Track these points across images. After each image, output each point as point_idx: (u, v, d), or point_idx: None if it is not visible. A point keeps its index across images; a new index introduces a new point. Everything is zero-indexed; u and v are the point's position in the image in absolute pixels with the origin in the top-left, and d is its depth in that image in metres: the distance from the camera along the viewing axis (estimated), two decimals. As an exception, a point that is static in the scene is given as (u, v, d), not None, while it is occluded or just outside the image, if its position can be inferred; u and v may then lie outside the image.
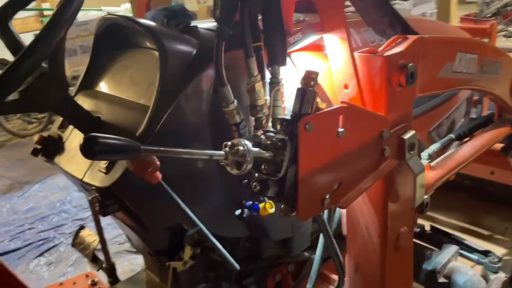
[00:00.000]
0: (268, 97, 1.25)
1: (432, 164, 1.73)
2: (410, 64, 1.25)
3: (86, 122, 1.40)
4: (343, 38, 1.30)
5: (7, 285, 1.81)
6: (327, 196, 1.13)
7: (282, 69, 1.25)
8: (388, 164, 1.28)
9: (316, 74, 1.06)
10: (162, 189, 1.20)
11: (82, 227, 1.96)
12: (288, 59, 1.50)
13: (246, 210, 1.27)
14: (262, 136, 1.05)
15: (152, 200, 1.27)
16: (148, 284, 1.72)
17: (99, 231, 1.78)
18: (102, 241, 1.79)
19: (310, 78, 1.05)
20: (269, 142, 1.03)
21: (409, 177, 1.37)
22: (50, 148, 1.49)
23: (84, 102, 1.54)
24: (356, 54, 1.29)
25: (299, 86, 1.06)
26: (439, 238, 2.36)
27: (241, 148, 0.97)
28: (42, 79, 1.23)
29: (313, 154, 1.07)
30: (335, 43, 1.34)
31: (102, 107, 1.47)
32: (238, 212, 1.29)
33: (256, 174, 1.04)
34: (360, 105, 1.30)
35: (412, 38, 1.31)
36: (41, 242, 4.06)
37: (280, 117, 1.09)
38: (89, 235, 1.88)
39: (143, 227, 1.40)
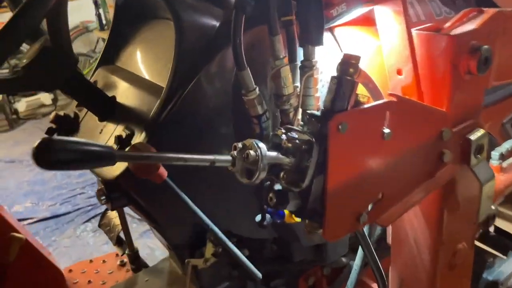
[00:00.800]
0: (299, 84, 1.03)
1: (504, 165, 1.43)
2: (485, 47, 0.97)
3: (99, 102, 1.26)
4: (397, 11, 1.03)
5: (36, 263, 1.78)
6: (364, 212, 0.91)
7: (318, 50, 1.01)
8: (447, 172, 1.03)
9: (357, 58, 0.83)
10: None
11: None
12: (329, 35, 1.26)
13: (268, 216, 1.08)
14: (283, 136, 0.85)
15: (162, 196, 1.12)
16: (170, 275, 1.61)
17: (121, 217, 1.68)
18: (124, 227, 1.70)
19: (348, 64, 0.82)
20: (290, 144, 0.82)
21: (474, 186, 1.11)
22: (66, 127, 1.37)
23: (103, 79, 1.40)
24: (414, 31, 1.03)
25: (335, 73, 0.84)
26: (505, 243, 2.04)
27: (252, 152, 0.77)
28: (45, 53, 1.09)
29: (347, 160, 0.85)
30: (388, 17, 1.07)
31: (119, 86, 1.32)
32: (258, 218, 1.10)
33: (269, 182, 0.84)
34: (416, 96, 1.04)
35: (489, 12, 1.02)
36: (89, 207, 4.16)
37: (309, 111, 0.87)
38: (116, 217, 1.79)
39: (156, 224, 1.27)
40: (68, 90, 1.19)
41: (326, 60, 1.18)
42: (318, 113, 0.86)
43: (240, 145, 0.80)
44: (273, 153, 0.81)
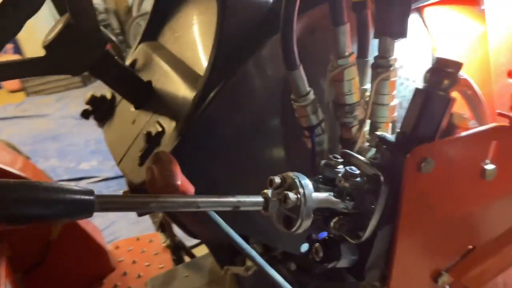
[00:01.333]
0: (368, 87, 0.77)
1: None
2: None
3: (133, 88, 1.09)
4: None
5: (80, 240, 1.74)
6: (444, 271, 0.68)
7: (399, 44, 0.74)
8: None
9: (457, 66, 0.57)
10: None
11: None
12: (416, 17, 0.97)
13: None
14: (340, 168, 0.62)
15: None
16: (210, 274, 1.48)
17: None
18: (166, 219, 1.57)
19: (443, 74, 0.57)
20: (348, 184, 0.59)
21: None
22: (102, 111, 1.24)
23: (143, 58, 1.23)
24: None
25: (422, 84, 0.59)
26: None
27: (292, 195, 0.56)
28: (69, 32, 0.93)
29: (426, 206, 0.62)
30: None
31: (157, 68, 1.14)
32: (305, 247, 0.90)
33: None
34: (533, 110, 0.76)
35: None
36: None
37: (379, 133, 0.63)
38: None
39: (190, 234, 1.11)
40: (98, 73, 1.03)
41: (409, 50, 0.91)
42: (392, 138, 0.62)
43: (277, 179, 0.59)
44: (322, 195, 0.59)
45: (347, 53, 0.72)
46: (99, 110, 1.23)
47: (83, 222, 1.74)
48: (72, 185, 0.46)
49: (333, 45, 0.73)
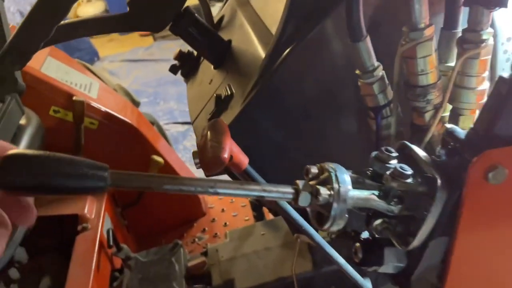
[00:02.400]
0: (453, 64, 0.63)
1: None
2: None
3: (213, 48, 1.07)
4: None
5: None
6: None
7: (497, 14, 0.58)
8: None
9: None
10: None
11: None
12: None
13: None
14: (392, 163, 0.53)
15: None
16: (286, 236, 1.47)
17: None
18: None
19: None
20: (395, 184, 0.51)
21: None
22: (188, 67, 1.25)
23: (230, 14, 1.20)
24: None
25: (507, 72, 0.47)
26: None
27: (324, 191, 0.50)
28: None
29: (494, 223, 0.50)
30: None
31: (239, 27, 1.09)
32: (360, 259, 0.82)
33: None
34: None
35: None
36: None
37: (449, 126, 0.52)
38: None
39: (260, 201, 1.10)
40: (178, 31, 1.03)
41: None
42: (462, 133, 0.51)
43: (314, 169, 0.53)
44: (363, 194, 0.51)
45: (422, 25, 0.59)
46: (185, 66, 1.25)
47: (179, 169, 1.85)
48: (88, 160, 0.46)
49: (407, 14, 0.60)
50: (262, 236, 1.49)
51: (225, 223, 1.87)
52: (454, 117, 0.64)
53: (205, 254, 1.43)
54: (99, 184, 0.45)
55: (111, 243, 1.36)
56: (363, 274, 0.98)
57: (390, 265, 0.55)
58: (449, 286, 0.53)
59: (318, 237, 0.92)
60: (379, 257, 0.55)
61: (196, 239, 1.81)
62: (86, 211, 1.43)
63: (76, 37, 0.98)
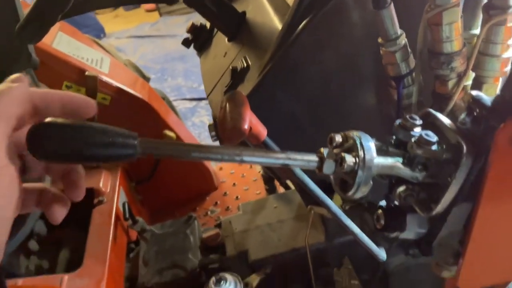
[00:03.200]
0: (477, 32, 0.62)
1: None
2: None
3: (226, 19, 1.06)
4: None
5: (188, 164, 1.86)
6: (537, 260, 0.57)
7: None
8: None
9: None
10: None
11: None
12: None
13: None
14: (416, 131, 0.54)
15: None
16: (299, 209, 1.49)
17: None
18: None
19: None
20: (420, 151, 0.51)
21: None
22: (200, 40, 1.24)
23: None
24: None
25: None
26: None
27: (349, 158, 0.50)
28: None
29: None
30: None
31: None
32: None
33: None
34: None
35: None
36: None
37: (474, 93, 0.52)
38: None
39: (277, 177, 1.11)
40: (191, 3, 1.02)
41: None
42: (488, 100, 0.51)
43: (338, 138, 0.53)
44: (387, 161, 0.52)
45: (449, -10, 0.59)
46: (198, 40, 1.24)
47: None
48: (118, 128, 0.46)
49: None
50: (275, 209, 1.50)
51: (237, 197, 1.89)
52: (477, 86, 0.64)
53: (219, 226, 1.46)
54: (129, 152, 0.46)
55: (127, 215, 1.38)
56: (377, 244, 0.99)
57: (412, 231, 0.56)
58: (470, 251, 0.54)
59: (334, 207, 0.93)
60: (402, 223, 0.56)
61: (209, 212, 1.84)
62: (101, 185, 1.46)
63: (93, 9, 0.97)
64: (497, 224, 0.53)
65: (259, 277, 1.30)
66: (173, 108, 2.16)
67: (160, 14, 5.71)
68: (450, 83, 0.64)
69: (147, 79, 2.15)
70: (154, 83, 4.26)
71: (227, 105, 0.75)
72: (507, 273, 0.57)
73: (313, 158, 0.52)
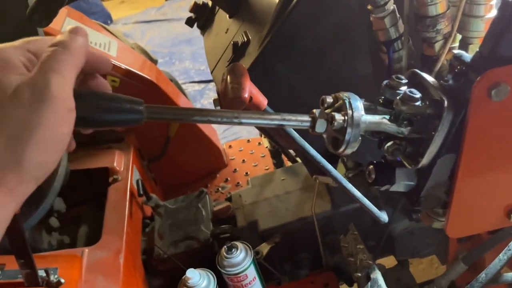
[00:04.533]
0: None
1: None
2: None
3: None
4: None
5: (195, 138, 1.91)
6: (521, 206, 0.61)
7: None
8: None
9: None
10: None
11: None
12: None
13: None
14: (402, 89, 0.57)
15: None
16: (306, 180, 1.53)
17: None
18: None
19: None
20: (405, 107, 0.55)
21: None
22: (204, 18, 1.28)
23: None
24: None
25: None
26: None
27: (339, 116, 0.54)
28: None
29: (496, 139, 0.55)
30: None
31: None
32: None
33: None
34: None
35: None
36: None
37: (456, 52, 0.56)
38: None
39: (280, 146, 1.15)
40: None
41: None
42: (468, 57, 0.54)
43: (329, 99, 0.57)
44: (374, 118, 0.56)
45: None
46: (200, 18, 1.27)
47: (200, 123, 1.91)
48: (125, 96, 0.51)
49: None
50: (282, 181, 1.55)
51: (246, 173, 1.94)
52: (464, 47, 0.67)
53: (229, 199, 1.51)
54: (136, 117, 0.50)
55: (141, 192, 1.45)
56: (380, 208, 1.04)
57: (401, 183, 0.60)
58: (456, 200, 0.58)
59: (336, 173, 0.98)
60: (391, 176, 0.60)
61: (220, 188, 1.90)
62: (115, 164, 1.52)
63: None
64: (479, 173, 0.57)
65: (269, 245, 1.36)
66: (181, 90, 2.20)
67: (168, -3, 5.70)
68: (437, 45, 0.67)
69: (154, 61, 2.19)
70: (162, 67, 4.29)
71: (228, 76, 0.79)
72: (491, 220, 0.61)
73: (306, 118, 0.56)
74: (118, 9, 5.65)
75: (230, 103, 0.74)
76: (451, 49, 0.68)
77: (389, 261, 1.47)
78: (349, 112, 0.54)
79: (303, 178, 1.55)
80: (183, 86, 3.92)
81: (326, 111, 0.57)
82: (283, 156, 1.72)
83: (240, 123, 0.54)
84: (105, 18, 5.14)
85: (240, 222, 1.40)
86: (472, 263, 1.09)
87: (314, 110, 0.57)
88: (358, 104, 0.55)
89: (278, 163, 1.72)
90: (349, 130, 0.54)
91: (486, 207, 0.61)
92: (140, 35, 5.02)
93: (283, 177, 1.57)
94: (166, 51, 4.62)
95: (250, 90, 0.78)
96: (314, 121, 0.56)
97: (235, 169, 1.99)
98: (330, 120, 0.55)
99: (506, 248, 1.05)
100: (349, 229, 1.38)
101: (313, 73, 0.94)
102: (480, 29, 0.65)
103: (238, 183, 1.91)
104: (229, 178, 1.96)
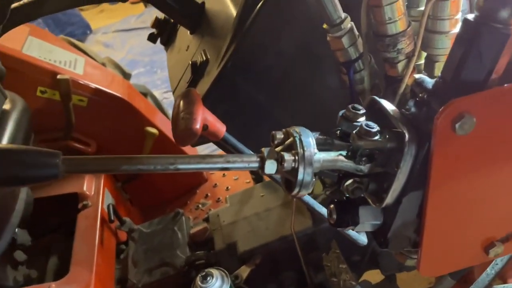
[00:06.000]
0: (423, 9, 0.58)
1: None
2: None
3: (184, 11, 1.03)
4: None
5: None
6: (498, 241, 0.56)
7: None
8: None
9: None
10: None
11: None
12: None
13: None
14: (360, 120, 0.51)
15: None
16: (286, 195, 1.47)
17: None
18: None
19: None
20: (362, 142, 0.49)
21: None
22: (166, 34, 1.21)
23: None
24: None
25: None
26: None
27: (288, 157, 0.48)
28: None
29: (466, 174, 0.49)
30: None
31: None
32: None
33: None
34: None
35: None
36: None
37: (417, 76, 0.49)
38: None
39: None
40: (147, -3, 0.99)
41: None
42: (431, 82, 0.48)
43: (279, 135, 0.51)
44: (329, 156, 0.49)
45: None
46: (163, 34, 1.21)
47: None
48: (37, 148, 0.44)
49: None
50: (262, 198, 1.49)
51: (227, 187, 1.87)
52: (429, 65, 0.61)
53: (206, 220, 1.45)
54: (52, 172, 0.43)
55: (112, 217, 1.37)
56: (357, 229, 0.97)
57: (366, 223, 0.54)
58: (427, 239, 0.52)
59: (307, 197, 0.92)
60: (354, 216, 0.54)
61: (200, 205, 1.83)
62: (85, 188, 1.44)
63: (42, 14, 0.94)
64: (450, 209, 0.51)
65: (249, 268, 1.29)
66: (157, 103, 2.13)
67: (145, 5, 5.62)
68: (400, 65, 0.61)
69: (127, 76, 2.11)
70: (144, 76, 4.22)
71: (180, 104, 0.72)
72: (468, 257, 0.55)
73: (254, 159, 0.50)
74: (97, 19, 5.56)
75: (181, 135, 0.68)
76: (417, 67, 0.62)
77: (378, 274, 1.41)
78: (300, 150, 0.48)
79: (283, 193, 1.48)
80: (165, 95, 3.85)
81: (277, 149, 0.51)
82: (262, 170, 1.66)
83: (177, 170, 0.48)
84: (84, 29, 5.05)
85: (218, 245, 1.33)
86: (461, 276, 1.04)
87: (263, 149, 0.50)
88: (310, 141, 0.48)
89: (257, 178, 1.66)
90: (301, 169, 0.48)
91: (461, 244, 0.55)
92: (121, 44, 4.94)
93: (263, 192, 1.50)
94: (147, 60, 4.54)
95: (204, 118, 0.72)
96: (262, 161, 0.50)
97: (215, 184, 1.92)
98: (280, 160, 0.48)
99: (493, 263, 1.00)
100: (331, 246, 1.32)
101: (278, 91, 0.88)
102: (445, 46, 0.59)
103: (219, 198, 1.84)
104: (209, 194, 1.89)
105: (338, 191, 1.14)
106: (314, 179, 0.49)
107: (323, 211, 0.92)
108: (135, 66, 4.31)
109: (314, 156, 0.48)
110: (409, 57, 0.61)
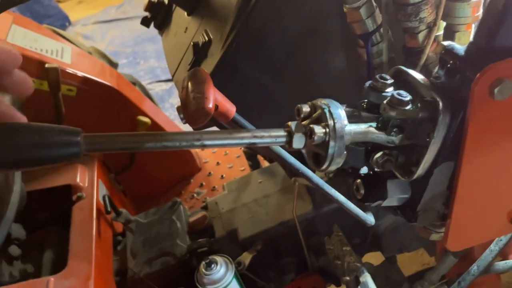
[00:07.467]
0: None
1: None
2: None
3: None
4: None
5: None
6: (526, 212, 0.55)
7: None
8: None
9: None
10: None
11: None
12: None
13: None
14: (388, 91, 0.50)
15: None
16: (283, 182, 1.46)
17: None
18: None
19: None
20: (394, 113, 0.47)
21: None
22: (160, 17, 1.17)
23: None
24: None
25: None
26: None
27: (318, 129, 0.46)
28: None
29: (501, 144, 0.48)
30: None
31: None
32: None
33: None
34: None
35: None
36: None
37: (446, 43, 0.48)
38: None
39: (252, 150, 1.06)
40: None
41: None
42: (461, 49, 0.47)
43: (305, 108, 0.49)
44: (360, 128, 0.48)
45: None
46: (157, 17, 1.17)
47: (168, 127, 1.80)
48: (57, 126, 0.41)
49: None
50: (260, 184, 1.47)
51: (222, 176, 1.85)
52: (449, 35, 0.60)
53: (205, 208, 1.42)
54: (73, 151, 0.41)
55: (109, 208, 1.34)
56: (364, 209, 0.97)
57: (394, 197, 0.53)
58: (456, 211, 0.51)
59: (316, 178, 0.90)
60: (382, 190, 0.52)
61: (195, 195, 1.80)
62: (78, 180, 1.40)
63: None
64: (481, 180, 0.50)
65: (251, 254, 1.28)
66: (146, 93, 2.08)
67: (128, -5, 5.49)
68: (421, 36, 0.60)
69: (114, 65, 2.06)
70: (127, 67, 4.13)
71: (189, 84, 0.69)
72: (494, 229, 0.55)
73: (281, 133, 0.48)
74: (75, 10, 5.42)
75: (193, 116, 0.65)
76: (436, 38, 0.60)
77: (376, 257, 1.42)
78: (330, 122, 0.46)
79: (282, 178, 1.47)
80: (150, 86, 3.78)
81: (303, 123, 0.49)
82: (259, 156, 1.64)
83: (203, 146, 0.45)
84: (63, 21, 4.91)
85: (219, 232, 1.31)
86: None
87: (290, 123, 0.48)
88: (340, 113, 0.47)
89: (254, 164, 1.64)
90: (332, 143, 0.46)
91: (488, 216, 0.54)
92: (101, 36, 4.83)
93: (260, 179, 1.49)
94: (130, 51, 4.45)
95: (214, 98, 0.69)
96: (290, 136, 0.48)
97: (210, 173, 1.89)
98: (309, 133, 0.46)
99: (497, 239, 1.00)
100: (334, 230, 1.31)
101: (283, 71, 0.86)
102: (467, 15, 0.58)
103: (214, 187, 1.82)
104: (204, 183, 1.86)
105: (341, 173, 1.13)
106: (345, 153, 0.47)
107: (332, 192, 0.91)
108: (117, 58, 4.20)
109: (345, 128, 0.46)
110: (430, 27, 0.59)
